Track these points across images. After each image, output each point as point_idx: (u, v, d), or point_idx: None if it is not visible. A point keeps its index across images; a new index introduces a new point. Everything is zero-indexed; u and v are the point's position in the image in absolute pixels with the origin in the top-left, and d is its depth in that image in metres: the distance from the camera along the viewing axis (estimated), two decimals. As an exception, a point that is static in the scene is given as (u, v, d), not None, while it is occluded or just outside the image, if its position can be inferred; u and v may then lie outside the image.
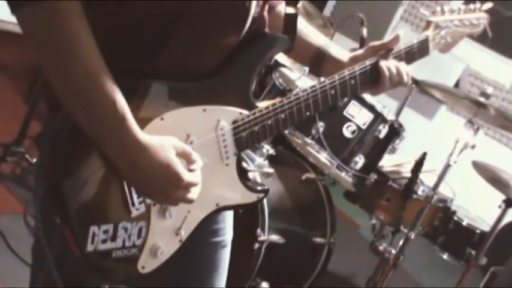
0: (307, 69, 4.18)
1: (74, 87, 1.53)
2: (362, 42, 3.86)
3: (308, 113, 1.90)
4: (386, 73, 2.03)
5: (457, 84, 6.13)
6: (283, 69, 3.83)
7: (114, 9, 1.64)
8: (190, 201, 1.67)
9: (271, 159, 3.72)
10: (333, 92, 1.93)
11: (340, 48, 2.19)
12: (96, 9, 1.57)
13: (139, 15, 1.65)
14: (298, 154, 3.86)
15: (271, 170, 3.44)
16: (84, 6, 1.51)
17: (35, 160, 4.17)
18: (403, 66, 2.08)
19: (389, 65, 2.04)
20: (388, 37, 2.11)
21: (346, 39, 5.98)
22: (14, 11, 1.50)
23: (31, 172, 4.13)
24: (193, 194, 1.66)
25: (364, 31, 3.87)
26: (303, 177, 3.90)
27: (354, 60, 2.08)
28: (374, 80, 2.04)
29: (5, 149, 4.23)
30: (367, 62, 2.03)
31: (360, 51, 2.11)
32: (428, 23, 2.17)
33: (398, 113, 4.91)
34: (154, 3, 1.63)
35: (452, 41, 2.22)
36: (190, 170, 1.66)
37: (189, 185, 1.64)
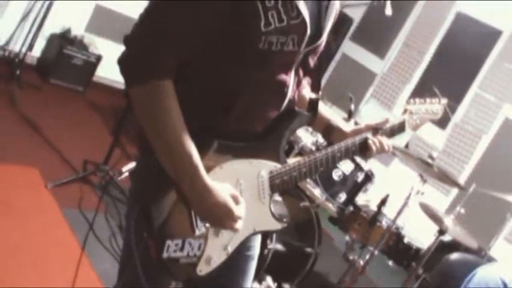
0: (310, 128, 4.18)
1: (163, 143, 1.56)
2: (350, 114, 3.85)
3: (322, 168, 1.88)
4: (373, 146, 1.99)
5: (407, 145, 6.11)
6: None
7: (193, 86, 1.65)
8: (236, 231, 1.69)
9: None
10: (339, 154, 1.91)
11: (344, 121, 2.14)
12: (181, 87, 1.57)
13: (212, 91, 1.66)
14: (298, 188, 3.83)
15: (279, 199, 3.43)
16: (174, 83, 1.55)
17: (115, 175, 4.17)
18: (385, 140, 2.04)
19: (375, 139, 2.00)
20: (362, 108, 2.10)
21: (334, 108, 5.94)
22: (128, 87, 1.54)
23: (112, 184, 4.12)
24: (239, 225, 1.67)
25: (352, 106, 3.85)
26: (301, 204, 3.87)
27: (354, 132, 2.04)
28: (365, 148, 2.00)
29: (96, 166, 4.22)
30: (363, 136, 2.00)
31: (359, 126, 2.07)
32: (405, 110, 2.15)
33: (366, 161, 4.87)
34: (223, 85, 1.64)
35: (420, 123, 2.20)
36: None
37: (237, 217, 1.64)
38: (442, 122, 6.37)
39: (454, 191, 6.19)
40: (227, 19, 1.54)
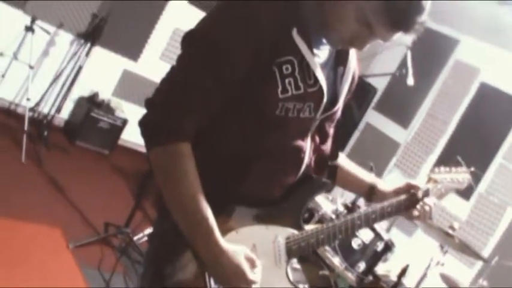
0: (330, 196, 4.19)
1: (180, 205, 1.59)
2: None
3: (340, 236, 1.88)
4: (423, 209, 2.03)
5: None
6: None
7: (211, 151, 1.68)
8: None
9: (299, 258, 3.70)
10: (358, 222, 1.91)
11: (383, 181, 2.15)
12: (199, 150, 1.61)
13: (229, 157, 1.69)
14: (318, 256, 3.79)
15: (298, 266, 3.40)
16: (192, 147, 1.58)
17: (135, 238, 4.18)
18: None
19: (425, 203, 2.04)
20: (385, 177, 2.12)
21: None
22: (148, 148, 1.58)
23: (132, 247, 4.14)
24: None
25: (372, 175, 3.84)
26: (320, 273, 3.82)
27: (395, 192, 2.06)
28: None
29: (117, 228, 4.25)
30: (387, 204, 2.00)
31: (400, 185, 2.07)
32: (430, 178, 2.13)
33: (388, 230, 4.83)
34: (240, 151, 1.68)
35: (445, 192, 2.18)
36: (253, 271, 1.65)
37: (251, 282, 1.63)
38: (465, 193, 6.31)
39: (479, 264, 6.08)
40: (244, 84, 1.58)
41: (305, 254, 1.85)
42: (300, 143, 1.75)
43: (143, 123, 1.59)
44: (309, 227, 1.83)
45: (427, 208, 2.04)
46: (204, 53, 1.57)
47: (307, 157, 1.80)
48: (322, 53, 1.72)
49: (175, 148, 1.56)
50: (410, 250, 5.72)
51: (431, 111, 6.94)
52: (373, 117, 7.48)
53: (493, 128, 6.34)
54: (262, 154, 1.68)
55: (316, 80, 1.67)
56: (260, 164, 1.68)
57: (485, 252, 5.80)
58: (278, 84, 1.60)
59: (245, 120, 1.65)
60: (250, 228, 1.71)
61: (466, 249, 3.79)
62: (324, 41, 1.71)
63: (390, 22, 1.56)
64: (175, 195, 1.58)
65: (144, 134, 1.59)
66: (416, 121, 7.06)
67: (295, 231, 1.80)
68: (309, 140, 1.79)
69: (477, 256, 3.89)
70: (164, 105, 1.57)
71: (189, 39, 1.61)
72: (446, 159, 6.61)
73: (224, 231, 1.62)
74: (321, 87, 1.68)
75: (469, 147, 6.37)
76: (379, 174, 6.87)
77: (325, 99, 1.71)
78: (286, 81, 1.61)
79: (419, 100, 7.04)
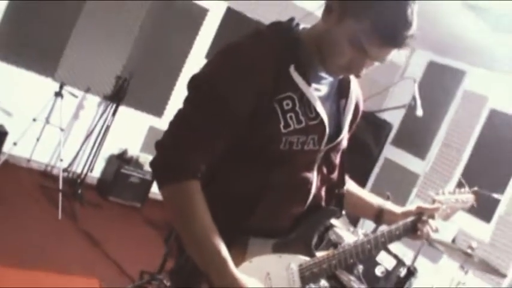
0: (352, 228, 4.18)
1: (193, 240, 1.62)
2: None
3: (352, 260, 1.87)
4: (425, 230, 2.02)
5: (454, 240, 5.97)
6: (335, 228, 3.84)
7: (219, 187, 1.72)
8: None
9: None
10: (368, 246, 1.91)
11: (392, 203, 2.15)
12: (208, 189, 1.64)
13: (238, 192, 1.72)
14: (343, 285, 3.79)
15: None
16: (201, 182, 1.62)
17: (169, 284, 4.20)
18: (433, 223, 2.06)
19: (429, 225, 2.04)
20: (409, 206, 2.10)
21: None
22: (159, 188, 1.63)
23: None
24: None
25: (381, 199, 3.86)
26: (347, 302, 3.81)
27: (405, 213, 2.06)
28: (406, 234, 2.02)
29: (151, 276, 4.28)
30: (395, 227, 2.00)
31: (410, 208, 2.08)
32: (434, 201, 2.13)
33: (414, 259, 4.78)
34: (247, 186, 1.71)
35: (451, 212, 2.18)
36: None
37: None
38: (486, 216, 6.24)
39: (506, 282, 5.97)
40: (249, 121, 1.63)
41: (318, 280, 1.84)
42: (306, 174, 1.76)
43: (153, 165, 1.64)
44: (320, 254, 1.83)
45: (427, 228, 2.03)
46: (209, 97, 1.61)
47: (314, 188, 1.81)
48: (322, 87, 1.76)
49: (184, 186, 1.59)
50: (435, 275, 5.65)
51: (446, 141, 6.93)
52: (391, 152, 7.48)
53: (506, 151, 6.30)
54: (269, 188, 1.70)
55: (317, 113, 1.70)
56: (268, 198, 1.70)
57: (511, 272, 5.70)
58: (280, 119, 1.64)
59: (251, 157, 1.68)
60: (263, 258, 1.72)
61: (487, 267, 3.76)
62: (324, 75, 1.74)
63: (381, 40, 1.57)
64: (188, 230, 1.61)
65: (154, 174, 1.64)
66: (432, 151, 7.04)
67: (308, 258, 1.80)
68: (315, 171, 1.80)
69: (497, 273, 3.85)
70: (171, 146, 1.62)
71: (195, 83, 1.66)
72: (463, 186, 6.54)
73: (237, 262, 1.63)
74: (322, 120, 1.71)
75: (485, 172, 6.33)
76: (402, 205, 6.83)
77: (327, 131, 1.73)
78: (288, 116, 1.64)
79: (434, 131, 7.04)
